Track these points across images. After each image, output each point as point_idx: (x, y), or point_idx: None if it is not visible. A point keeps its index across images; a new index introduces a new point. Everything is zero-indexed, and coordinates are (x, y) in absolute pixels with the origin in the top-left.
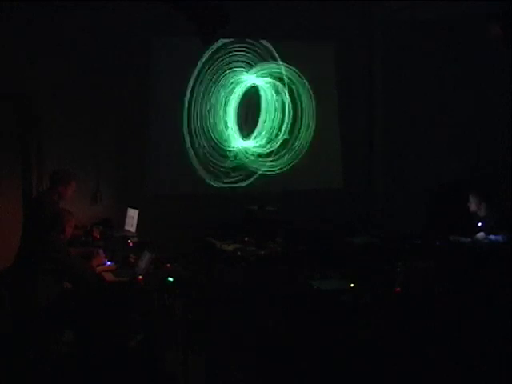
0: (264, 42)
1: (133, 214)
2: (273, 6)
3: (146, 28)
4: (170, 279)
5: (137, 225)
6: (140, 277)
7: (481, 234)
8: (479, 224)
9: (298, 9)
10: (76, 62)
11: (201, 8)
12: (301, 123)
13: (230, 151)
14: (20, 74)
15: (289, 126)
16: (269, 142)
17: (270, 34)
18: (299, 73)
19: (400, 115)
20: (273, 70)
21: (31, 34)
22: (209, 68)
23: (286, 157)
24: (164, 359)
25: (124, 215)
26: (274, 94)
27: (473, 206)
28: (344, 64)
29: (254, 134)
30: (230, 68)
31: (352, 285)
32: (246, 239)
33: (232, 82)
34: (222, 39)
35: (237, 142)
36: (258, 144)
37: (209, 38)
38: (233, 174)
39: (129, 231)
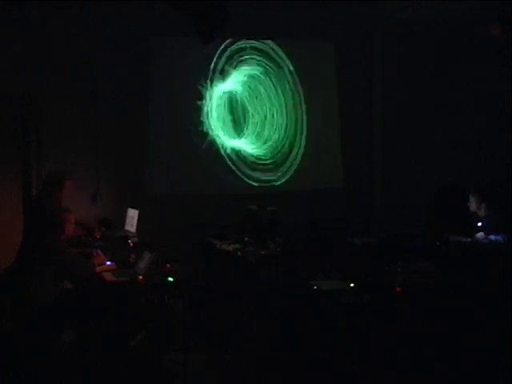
0: (265, 42)
1: (133, 214)
2: (273, 5)
3: (146, 28)
4: (170, 279)
5: (137, 225)
6: (140, 277)
7: (481, 234)
8: (479, 224)
9: (298, 9)
10: (76, 61)
11: (201, 8)
12: (301, 123)
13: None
14: (20, 73)
15: (289, 126)
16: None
17: (270, 33)
18: (300, 73)
19: (400, 115)
20: (273, 70)
21: (31, 34)
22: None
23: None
24: (164, 359)
25: (124, 215)
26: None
27: (473, 206)
28: (344, 64)
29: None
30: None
31: (352, 285)
32: (246, 239)
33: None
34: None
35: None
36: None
37: (209, 37)
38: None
39: (129, 231)
